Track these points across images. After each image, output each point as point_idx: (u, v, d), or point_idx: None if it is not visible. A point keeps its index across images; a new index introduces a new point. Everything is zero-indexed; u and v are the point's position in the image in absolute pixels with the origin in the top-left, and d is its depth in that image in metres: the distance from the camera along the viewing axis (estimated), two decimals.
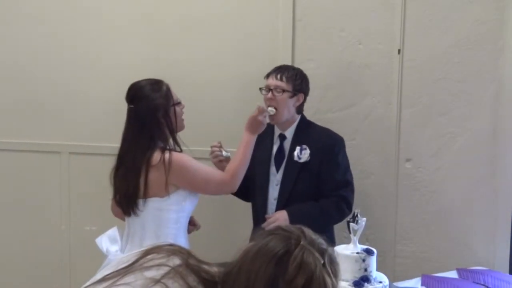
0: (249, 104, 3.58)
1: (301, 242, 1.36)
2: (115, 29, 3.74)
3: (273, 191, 3.13)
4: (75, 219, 3.86)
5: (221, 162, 3.06)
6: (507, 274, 3.27)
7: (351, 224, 2.55)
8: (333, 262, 1.40)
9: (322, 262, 1.35)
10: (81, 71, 3.77)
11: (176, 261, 1.43)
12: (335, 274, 1.39)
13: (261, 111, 2.96)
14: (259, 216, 3.14)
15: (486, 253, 3.41)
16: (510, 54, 3.31)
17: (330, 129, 3.21)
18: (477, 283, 2.99)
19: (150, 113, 2.80)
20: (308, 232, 1.41)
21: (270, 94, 3.07)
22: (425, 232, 3.51)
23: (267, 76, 3.14)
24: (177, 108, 2.88)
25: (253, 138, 2.95)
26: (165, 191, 2.78)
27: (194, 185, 2.84)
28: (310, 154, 3.03)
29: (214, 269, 1.44)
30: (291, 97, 3.08)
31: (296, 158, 3.03)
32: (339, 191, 3.07)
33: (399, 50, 3.44)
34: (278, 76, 3.08)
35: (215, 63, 3.63)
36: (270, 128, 3.16)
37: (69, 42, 3.77)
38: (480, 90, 3.38)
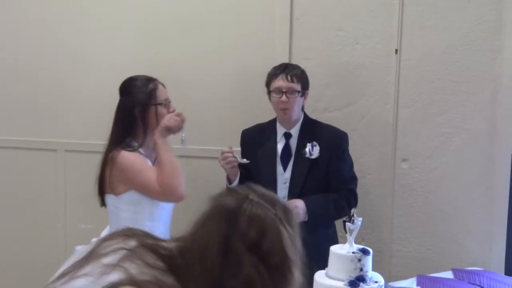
0: (246, 102, 3.60)
1: (249, 196, 1.36)
2: (112, 26, 3.73)
3: (281, 190, 3.12)
4: (71, 217, 3.85)
5: (233, 168, 3.04)
6: (503, 274, 3.27)
7: (347, 223, 2.54)
8: (286, 212, 1.39)
9: (273, 212, 1.34)
10: (77, 69, 3.75)
11: (132, 243, 1.41)
12: (290, 223, 1.38)
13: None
14: None
15: (481, 254, 3.42)
16: (508, 54, 3.31)
17: (333, 126, 3.24)
18: (473, 284, 2.99)
19: (128, 108, 2.82)
20: (257, 187, 1.40)
21: (284, 97, 3.04)
22: (421, 232, 3.51)
23: (274, 77, 3.09)
24: (160, 108, 2.84)
25: (166, 140, 2.81)
26: (114, 189, 2.80)
27: (138, 188, 2.78)
28: (319, 151, 3.05)
29: (172, 244, 1.42)
30: (301, 96, 3.11)
31: (307, 155, 3.04)
32: (347, 186, 3.14)
33: (396, 50, 3.44)
34: (289, 78, 3.06)
35: (212, 61, 3.63)
36: (271, 128, 3.17)
37: (65, 40, 3.76)
38: (477, 90, 3.38)
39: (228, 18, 3.61)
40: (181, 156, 3.10)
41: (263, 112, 3.37)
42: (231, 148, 3.05)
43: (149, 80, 2.87)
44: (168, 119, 2.79)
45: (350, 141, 3.48)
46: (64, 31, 3.77)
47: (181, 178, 2.75)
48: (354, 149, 3.52)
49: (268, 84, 3.14)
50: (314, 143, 3.05)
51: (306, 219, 3.00)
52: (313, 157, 3.05)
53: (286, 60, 3.46)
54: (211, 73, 3.62)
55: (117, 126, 2.84)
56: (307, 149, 3.04)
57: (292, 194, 3.08)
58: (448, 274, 3.13)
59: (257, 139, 3.18)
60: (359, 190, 3.49)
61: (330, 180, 3.11)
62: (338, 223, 3.34)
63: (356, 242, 2.55)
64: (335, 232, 3.24)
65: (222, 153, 3.03)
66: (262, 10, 3.57)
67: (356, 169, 3.51)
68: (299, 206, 2.97)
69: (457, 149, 3.43)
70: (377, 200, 3.54)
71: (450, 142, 3.43)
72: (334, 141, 3.13)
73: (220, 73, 3.63)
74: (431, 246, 3.50)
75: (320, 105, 3.55)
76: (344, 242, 2.58)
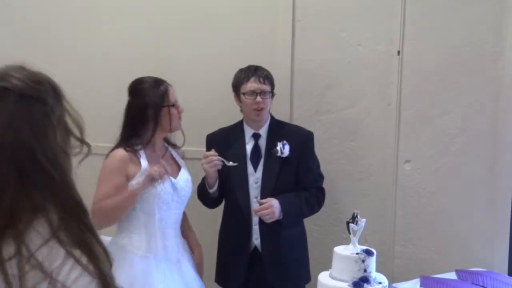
0: None
1: None
2: (115, 28, 3.73)
3: (253, 190, 3.14)
4: None
5: (215, 172, 3.05)
6: (506, 275, 3.26)
7: (351, 225, 2.55)
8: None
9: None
10: (81, 70, 3.75)
11: None
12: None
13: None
14: (244, 214, 3.13)
15: (485, 254, 3.41)
16: (510, 55, 3.30)
17: (299, 126, 3.31)
18: (476, 285, 2.99)
19: (140, 109, 2.88)
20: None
21: (259, 98, 3.08)
22: (424, 233, 3.51)
23: (245, 79, 3.12)
24: (172, 110, 2.92)
25: (138, 190, 2.82)
26: None
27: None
28: (290, 149, 3.07)
29: None
30: (271, 97, 3.17)
31: (279, 153, 3.07)
32: (317, 183, 3.22)
33: (398, 52, 3.43)
34: (261, 80, 3.12)
35: (213, 63, 3.63)
36: (238, 130, 3.20)
37: (66, 38, 3.77)
38: (479, 91, 3.37)
39: (230, 19, 3.62)
40: (184, 158, 3.12)
41: None
42: (214, 151, 3.05)
43: (159, 82, 2.94)
44: (152, 169, 2.82)
45: (352, 143, 3.53)
46: (65, 29, 3.77)
47: (108, 222, 2.83)
48: (356, 151, 3.53)
49: (237, 86, 3.15)
50: (284, 141, 3.08)
51: (281, 217, 3.03)
52: (284, 155, 3.07)
53: (288, 62, 3.48)
54: (213, 73, 3.62)
55: (127, 126, 2.91)
56: (278, 148, 3.06)
57: (264, 193, 3.10)
58: (452, 275, 3.13)
59: (224, 142, 3.18)
60: (361, 191, 3.53)
61: (301, 179, 3.16)
62: (338, 226, 3.37)
63: (359, 244, 2.56)
64: (304, 231, 3.31)
65: (206, 156, 3.03)
66: (264, 11, 3.57)
67: (358, 170, 3.53)
68: (274, 205, 3.00)
69: (460, 150, 3.42)
70: (379, 202, 3.53)
71: (453, 143, 3.43)
72: (302, 140, 3.18)
73: (221, 75, 3.61)
74: (434, 247, 3.50)
75: (322, 107, 3.55)
76: (348, 243, 2.58)
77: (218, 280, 3.31)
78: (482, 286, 2.97)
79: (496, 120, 3.36)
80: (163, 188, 2.87)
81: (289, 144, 3.08)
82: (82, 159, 1.43)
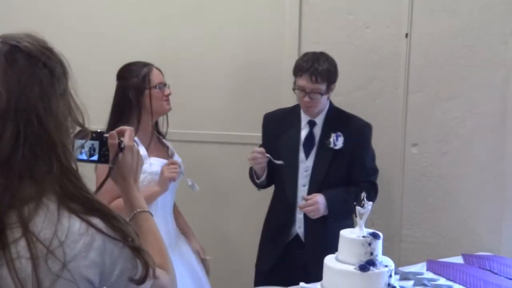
0: (255, 87, 3.58)
1: None
2: (121, 12, 3.71)
3: (302, 178, 3.09)
4: None
5: (262, 167, 3.01)
6: None
7: (358, 208, 2.53)
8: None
9: None
10: (80, 54, 3.71)
11: None
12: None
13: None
14: (289, 202, 3.09)
15: (492, 239, 3.40)
16: None
17: (358, 116, 3.19)
18: (483, 269, 2.98)
19: (122, 92, 2.85)
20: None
21: (307, 98, 2.98)
22: (431, 217, 3.50)
23: (299, 73, 2.99)
24: (154, 92, 2.84)
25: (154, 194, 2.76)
26: None
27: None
28: (343, 141, 3.03)
29: None
30: (328, 92, 3.05)
31: (332, 145, 3.02)
32: (369, 178, 3.13)
33: (406, 34, 3.41)
34: (313, 78, 2.95)
35: (220, 46, 3.61)
36: (295, 114, 3.13)
37: (68, 25, 3.73)
38: (488, 74, 3.35)
39: (237, 3, 3.60)
40: (183, 141, 3.09)
41: (270, 97, 3.36)
42: (262, 148, 3.00)
43: (144, 65, 2.89)
44: (167, 171, 2.77)
45: None
46: (67, 16, 3.74)
47: None
48: None
49: (294, 74, 3.05)
50: (339, 133, 3.02)
51: (326, 213, 3.00)
52: (337, 147, 3.02)
53: (295, 45, 3.45)
54: (219, 56, 3.61)
55: (112, 111, 2.87)
56: (331, 139, 3.01)
57: (313, 183, 3.06)
58: (458, 259, 3.13)
59: (281, 125, 3.12)
60: None
61: (353, 172, 3.08)
62: None
63: (366, 227, 2.55)
64: (353, 223, 3.20)
65: (253, 152, 2.99)
66: None
67: None
68: (319, 201, 2.96)
69: (468, 133, 3.40)
70: (387, 185, 3.52)
71: (461, 127, 3.41)
72: (358, 132, 3.09)
73: (228, 58, 3.61)
74: (441, 231, 3.49)
75: None
76: (355, 226, 2.57)
77: (256, 264, 3.27)
78: (489, 270, 2.97)
79: (505, 104, 3.34)
80: None
81: (345, 134, 3.02)
82: (82, 145, 1.42)
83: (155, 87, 2.86)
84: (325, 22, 3.50)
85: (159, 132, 3.02)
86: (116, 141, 1.56)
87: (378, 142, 3.51)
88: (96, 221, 1.25)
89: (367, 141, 3.13)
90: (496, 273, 2.92)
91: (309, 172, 3.08)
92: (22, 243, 1.19)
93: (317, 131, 3.10)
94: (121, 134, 1.59)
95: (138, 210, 1.55)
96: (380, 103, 3.50)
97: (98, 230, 1.24)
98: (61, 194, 1.24)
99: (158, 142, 2.99)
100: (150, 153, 2.86)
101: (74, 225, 1.23)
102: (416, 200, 3.51)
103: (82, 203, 1.26)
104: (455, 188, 3.45)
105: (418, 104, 3.45)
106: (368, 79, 3.50)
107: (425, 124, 3.46)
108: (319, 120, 3.10)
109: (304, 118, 3.11)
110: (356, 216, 2.55)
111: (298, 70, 3.00)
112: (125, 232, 1.28)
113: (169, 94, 2.91)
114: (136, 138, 2.82)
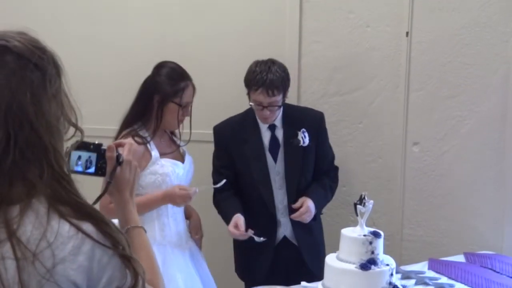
0: None
1: None
2: (122, 9, 3.70)
3: (276, 182, 3.09)
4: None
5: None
6: None
7: (358, 206, 2.53)
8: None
9: None
10: (85, 51, 3.71)
11: None
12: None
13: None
14: (268, 207, 3.06)
15: (493, 237, 3.39)
16: None
17: (308, 107, 3.26)
18: (485, 267, 2.98)
19: (150, 90, 2.80)
20: None
21: (265, 111, 2.95)
22: (433, 216, 3.49)
23: (254, 88, 2.93)
24: (172, 105, 2.80)
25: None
26: None
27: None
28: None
29: None
30: (284, 100, 3.03)
31: (301, 143, 3.01)
32: (333, 164, 3.24)
33: (407, 33, 3.40)
34: (270, 92, 2.91)
35: (221, 43, 3.60)
36: (250, 120, 3.09)
37: (72, 22, 3.72)
38: (489, 73, 3.34)
39: (237, 1, 3.59)
40: (190, 141, 3.09)
41: None
42: (241, 227, 2.88)
43: (185, 76, 2.84)
44: (180, 199, 2.73)
45: (360, 125, 3.53)
46: (72, 13, 3.73)
47: None
48: (364, 133, 3.52)
49: (247, 86, 3.00)
50: (304, 130, 3.01)
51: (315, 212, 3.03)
52: (305, 144, 3.01)
53: (296, 43, 3.45)
54: (220, 55, 3.60)
55: (134, 105, 2.82)
56: (299, 138, 3.00)
57: (290, 184, 3.05)
58: (460, 258, 3.12)
59: (237, 134, 3.07)
60: (369, 174, 3.52)
61: (320, 163, 3.13)
62: (345, 208, 3.40)
63: (367, 226, 2.55)
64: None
65: (234, 233, 2.87)
66: None
67: (367, 152, 3.52)
68: (310, 206, 2.96)
69: (469, 132, 3.39)
70: (388, 184, 3.52)
71: (462, 125, 3.40)
72: (317, 123, 3.13)
73: (228, 57, 3.61)
74: (443, 230, 3.48)
75: (330, 89, 3.52)
76: (355, 225, 2.57)
77: (240, 273, 3.24)
78: (490, 268, 2.96)
79: (506, 103, 3.33)
80: (177, 177, 2.82)
81: (306, 129, 3.02)
82: (76, 146, 1.41)
83: (181, 105, 2.81)
84: (325, 21, 3.49)
85: (172, 132, 2.99)
86: (114, 154, 1.51)
87: (379, 140, 3.52)
88: (87, 225, 1.22)
89: (325, 130, 3.17)
90: (498, 272, 2.92)
91: (282, 175, 3.08)
92: (8, 244, 1.17)
93: (279, 133, 3.09)
94: (119, 146, 1.55)
95: (132, 225, 1.51)
96: (380, 102, 3.49)
97: (88, 235, 1.21)
98: (52, 197, 1.22)
99: (169, 141, 2.96)
100: (162, 153, 2.83)
101: (63, 228, 1.20)
102: (418, 199, 3.50)
103: (73, 208, 1.23)
104: (456, 186, 3.44)
105: (419, 102, 3.44)
106: (369, 78, 3.49)
107: (426, 123, 3.45)
108: (278, 122, 3.08)
109: (263, 124, 3.08)
110: (357, 215, 2.54)
111: (253, 85, 2.94)
112: (116, 239, 1.25)
113: (187, 115, 2.87)
114: (152, 144, 2.80)
